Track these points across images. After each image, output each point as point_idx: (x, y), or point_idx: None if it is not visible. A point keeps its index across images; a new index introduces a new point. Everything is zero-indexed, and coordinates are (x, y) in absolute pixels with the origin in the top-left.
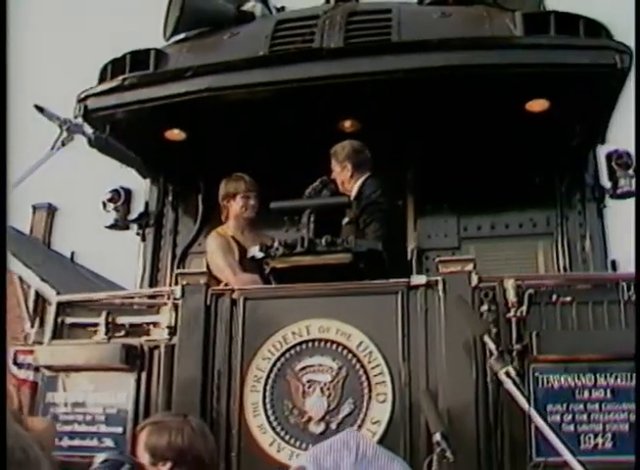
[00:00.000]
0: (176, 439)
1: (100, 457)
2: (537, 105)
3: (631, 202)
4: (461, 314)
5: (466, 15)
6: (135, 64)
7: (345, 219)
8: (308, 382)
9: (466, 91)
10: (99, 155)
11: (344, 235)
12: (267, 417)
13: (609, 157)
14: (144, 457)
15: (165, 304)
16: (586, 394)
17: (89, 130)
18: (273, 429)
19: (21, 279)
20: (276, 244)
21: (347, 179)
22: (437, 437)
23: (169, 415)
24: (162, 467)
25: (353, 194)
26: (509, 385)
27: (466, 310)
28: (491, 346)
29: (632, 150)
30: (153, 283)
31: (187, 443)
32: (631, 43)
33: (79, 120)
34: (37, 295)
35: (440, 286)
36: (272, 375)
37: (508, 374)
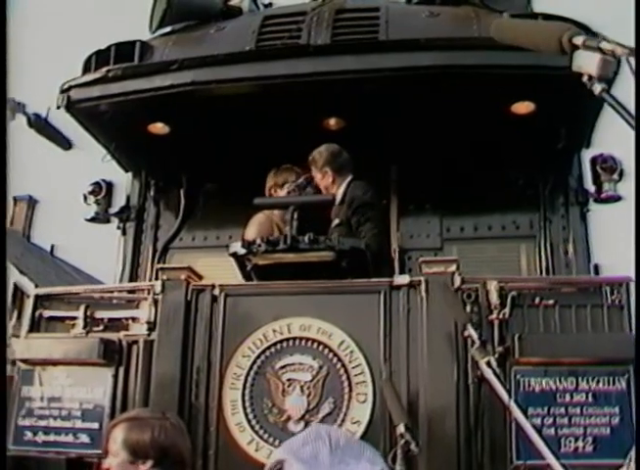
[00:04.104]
0: (159, 436)
1: None
2: (523, 107)
3: (615, 206)
4: (444, 303)
5: (454, 15)
6: (120, 55)
7: (336, 221)
8: (288, 380)
9: (452, 91)
10: (82, 147)
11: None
12: (246, 415)
13: (593, 161)
14: (120, 454)
15: (145, 299)
16: (567, 397)
17: (31, 110)
18: (252, 427)
19: None
20: (258, 240)
21: (330, 185)
22: (401, 428)
23: (146, 412)
24: (143, 465)
25: (338, 198)
26: (489, 375)
27: (450, 299)
28: (474, 335)
29: (617, 154)
30: (133, 278)
31: (170, 440)
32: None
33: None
34: (15, 287)
35: (423, 286)
36: (252, 373)
37: (489, 364)
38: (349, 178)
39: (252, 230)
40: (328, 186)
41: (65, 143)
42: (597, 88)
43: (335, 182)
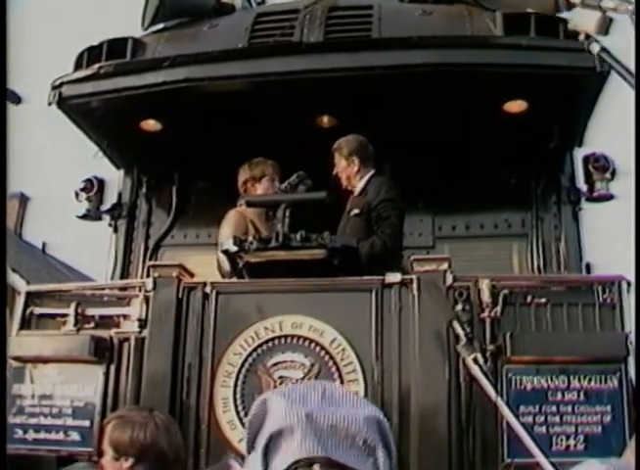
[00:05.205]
0: (139, 435)
1: None
2: (515, 106)
3: (607, 205)
4: (432, 300)
5: (447, 13)
6: (112, 52)
7: (355, 211)
8: (280, 378)
9: (444, 90)
10: (74, 143)
11: (350, 226)
12: (237, 413)
13: (586, 159)
14: (108, 452)
15: (136, 296)
16: (559, 395)
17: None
18: (243, 425)
19: None
20: (250, 238)
21: (354, 174)
22: None
23: (135, 409)
24: (125, 463)
25: (358, 189)
26: (476, 372)
27: (437, 297)
28: (460, 332)
29: (609, 153)
30: (124, 275)
31: (149, 439)
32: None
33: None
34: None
35: (415, 284)
36: (243, 370)
37: (476, 360)
38: (372, 172)
39: (227, 230)
40: (351, 175)
41: (14, 98)
42: (595, 48)
43: (359, 172)
